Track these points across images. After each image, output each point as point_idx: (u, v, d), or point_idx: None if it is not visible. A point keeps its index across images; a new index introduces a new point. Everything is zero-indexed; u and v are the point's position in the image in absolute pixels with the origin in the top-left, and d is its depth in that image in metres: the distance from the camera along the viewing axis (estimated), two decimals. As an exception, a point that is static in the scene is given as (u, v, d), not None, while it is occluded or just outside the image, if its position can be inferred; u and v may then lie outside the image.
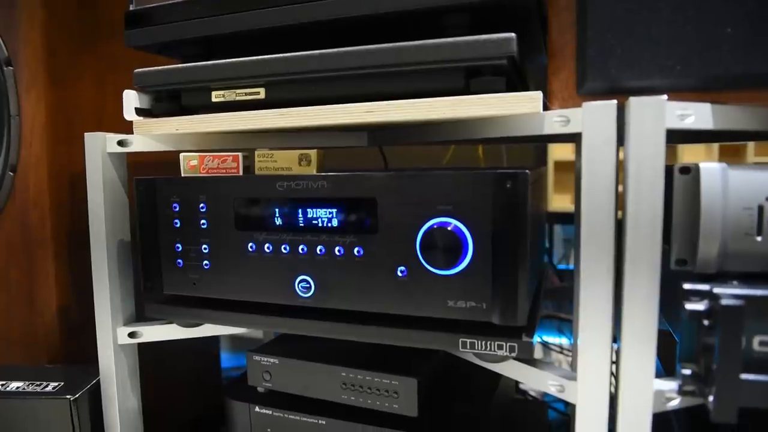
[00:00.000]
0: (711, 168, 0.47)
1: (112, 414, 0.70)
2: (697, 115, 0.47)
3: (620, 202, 0.48)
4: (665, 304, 0.49)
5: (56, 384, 0.70)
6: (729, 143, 1.08)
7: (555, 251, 1.49)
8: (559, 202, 1.41)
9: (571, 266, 1.60)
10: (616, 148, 0.47)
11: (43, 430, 0.68)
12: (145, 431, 0.75)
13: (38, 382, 0.71)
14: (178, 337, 0.69)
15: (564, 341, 1.36)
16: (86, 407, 0.69)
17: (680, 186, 0.49)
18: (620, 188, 0.48)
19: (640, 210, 0.46)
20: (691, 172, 0.48)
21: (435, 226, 0.50)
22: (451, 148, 0.99)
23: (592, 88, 0.50)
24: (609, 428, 0.50)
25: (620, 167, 0.48)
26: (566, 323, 1.37)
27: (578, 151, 0.53)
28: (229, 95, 0.62)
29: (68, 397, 0.67)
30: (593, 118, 0.47)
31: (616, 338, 0.50)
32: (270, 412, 0.66)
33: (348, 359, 0.63)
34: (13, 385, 0.71)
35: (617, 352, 0.50)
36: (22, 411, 0.68)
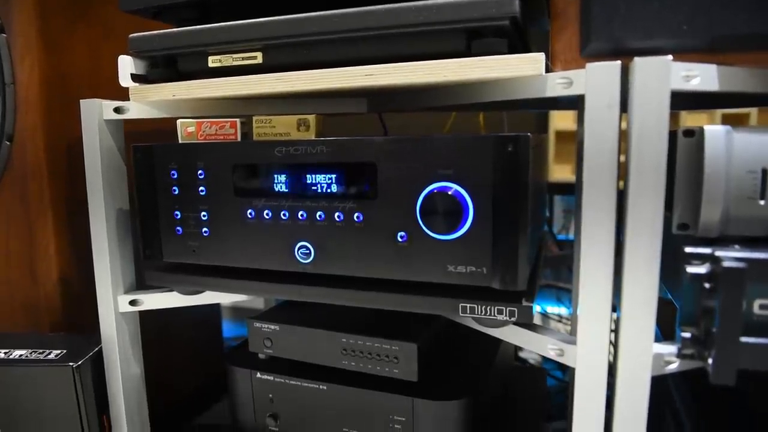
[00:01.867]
0: (715, 131, 0.47)
1: (115, 381, 0.70)
2: (703, 76, 0.46)
3: (622, 172, 0.48)
4: (666, 272, 0.49)
5: (59, 352, 0.71)
6: (732, 111, 1.07)
7: (555, 222, 1.49)
8: (559, 172, 1.40)
9: (571, 237, 1.60)
10: (619, 111, 0.47)
11: (46, 398, 0.69)
12: (149, 399, 0.76)
13: (41, 350, 0.71)
14: (179, 305, 0.69)
15: (563, 310, 1.37)
16: (89, 375, 0.69)
17: (684, 149, 0.48)
18: (622, 159, 0.48)
19: (643, 173, 0.46)
20: (695, 135, 0.48)
21: (435, 191, 0.50)
22: (452, 116, 0.98)
23: (595, 49, 0.50)
24: (608, 392, 0.50)
25: (622, 137, 0.47)
26: (565, 292, 1.38)
27: (580, 117, 0.52)
28: (226, 60, 0.61)
29: (71, 364, 0.68)
30: (596, 79, 0.46)
31: (615, 307, 0.50)
32: (271, 378, 0.66)
33: (348, 325, 0.63)
34: (16, 353, 0.71)
35: (617, 320, 0.50)
36: (26, 379, 0.68)
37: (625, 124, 0.47)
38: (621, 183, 0.48)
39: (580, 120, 0.52)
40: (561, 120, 1.38)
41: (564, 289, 1.35)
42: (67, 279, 0.82)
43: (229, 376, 0.69)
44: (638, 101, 0.45)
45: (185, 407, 0.84)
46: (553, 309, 1.38)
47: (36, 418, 0.69)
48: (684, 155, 0.48)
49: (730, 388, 0.60)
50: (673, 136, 0.48)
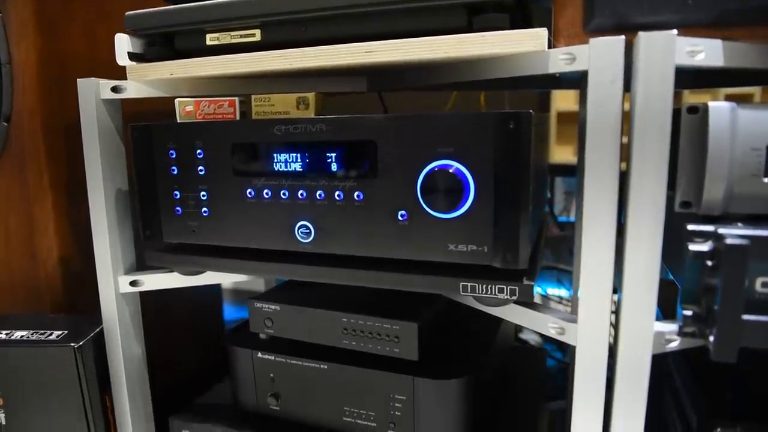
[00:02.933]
0: (720, 107, 0.46)
1: (117, 361, 0.71)
2: (708, 51, 0.45)
3: (624, 154, 0.47)
4: (667, 252, 0.49)
5: (60, 332, 0.71)
6: (735, 91, 1.06)
7: (556, 204, 1.49)
8: (560, 153, 1.40)
9: (572, 219, 1.60)
10: (622, 87, 0.46)
11: (48, 378, 0.69)
12: (150, 380, 0.76)
13: (42, 331, 0.72)
14: (180, 285, 0.69)
15: (563, 293, 1.37)
16: (91, 355, 0.70)
17: (688, 126, 0.48)
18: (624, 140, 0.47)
19: (646, 150, 0.45)
20: (699, 111, 0.47)
21: (436, 169, 0.49)
22: (453, 95, 0.97)
23: (599, 24, 0.49)
24: (608, 370, 0.50)
25: (625, 119, 0.47)
26: (566, 274, 1.38)
27: (583, 96, 0.51)
28: (224, 38, 0.60)
29: (72, 344, 0.68)
30: (600, 55, 0.45)
31: (616, 289, 0.50)
32: (272, 358, 0.66)
33: (349, 305, 0.63)
34: (18, 334, 0.71)
35: (618, 302, 0.50)
36: (28, 359, 0.69)
37: (628, 106, 0.47)
38: (623, 165, 0.48)
39: (583, 99, 0.51)
40: (562, 101, 1.37)
41: (565, 271, 1.35)
42: (68, 260, 0.82)
43: (230, 356, 0.70)
44: (642, 77, 0.44)
45: (186, 388, 0.85)
46: (553, 291, 1.38)
47: (39, 398, 0.69)
48: (687, 132, 0.48)
49: (729, 367, 0.60)
50: (676, 114, 0.47)
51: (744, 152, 0.46)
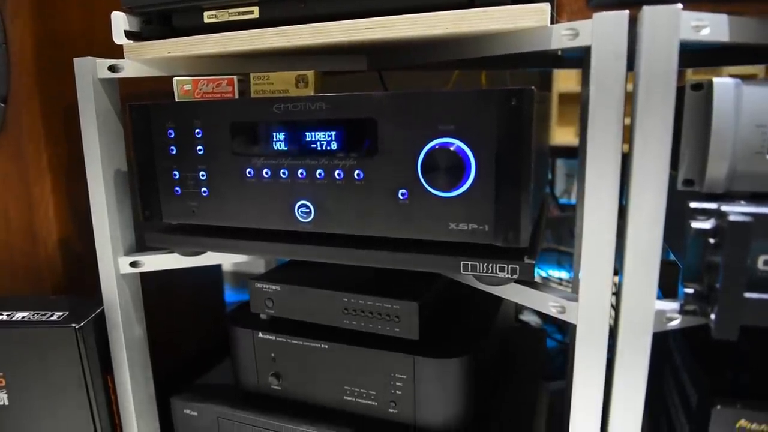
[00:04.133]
0: (725, 83, 0.45)
1: (118, 342, 0.71)
2: (713, 26, 0.45)
3: (626, 135, 0.47)
4: (669, 232, 0.49)
5: (61, 313, 0.71)
6: (739, 69, 1.04)
7: (557, 186, 1.49)
8: (561, 135, 1.39)
9: (573, 201, 1.59)
10: (626, 64, 0.45)
11: (50, 359, 0.69)
12: (152, 361, 0.76)
13: (43, 312, 0.72)
14: (180, 266, 0.69)
15: (564, 275, 1.37)
16: (92, 336, 0.70)
17: (691, 103, 0.47)
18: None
19: (649, 128, 0.45)
20: (703, 88, 0.47)
21: (437, 147, 0.49)
22: (454, 75, 0.97)
23: (603, -2, 0.48)
24: (609, 349, 0.50)
25: (627, 100, 0.46)
26: (566, 257, 1.38)
27: (585, 74, 0.51)
28: (222, 15, 0.59)
29: (73, 325, 0.68)
30: (603, 30, 0.45)
31: (617, 271, 0.50)
32: (273, 338, 0.66)
33: (349, 284, 0.63)
34: (19, 315, 0.71)
35: (619, 284, 0.50)
36: (29, 340, 0.69)
37: (631, 87, 0.46)
38: (625, 147, 0.47)
39: (586, 77, 0.50)
40: (564, 82, 1.36)
41: (565, 253, 1.35)
42: (68, 241, 0.81)
43: (231, 337, 0.70)
44: (646, 52, 0.44)
45: (188, 369, 0.85)
46: (553, 273, 1.38)
47: (41, 380, 0.70)
48: (691, 109, 0.47)
49: (729, 345, 0.60)
50: (680, 92, 0.47)
51: (748, 129, 0.46)
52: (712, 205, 0.45)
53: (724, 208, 0.43)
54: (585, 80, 0.53)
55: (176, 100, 0.62)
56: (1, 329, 0.69)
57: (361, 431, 0.63)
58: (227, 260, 0.69)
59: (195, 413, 0.71)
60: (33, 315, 0.71)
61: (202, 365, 0.82)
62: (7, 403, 0.71)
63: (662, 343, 0.73)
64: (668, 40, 0.43)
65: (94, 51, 0.65)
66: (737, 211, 0.43)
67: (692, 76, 1.11)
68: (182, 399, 0.72)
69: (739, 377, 0.55)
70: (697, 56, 0.72)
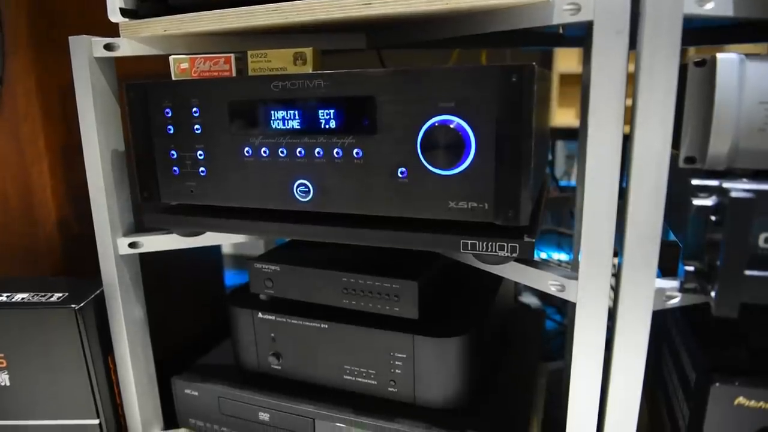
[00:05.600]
0: (728, 59, 0.45)
1: (118, 323, 0.71)
2: (717, 0, 0.44)
3: (627, 116, 0.46)
4: (670, 211, 0.48)
5: (61, 294, 0.71)
6: (743, 47, 1.03)
7: (557, 168, 1.48)
8: (562, 116, 1.38)
9: (573, 183, 1.59)
10: (628, 40, 0.45)
11: (50, 340, 0.69)
12: (153, 342, 0.76)
13: (43, 293, 0.72)
14: (179, 247, 0.69)
15: (563, 257, 1.37)
16: (92, 317, 0.70)
17: (694, 80, 0.47)
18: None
19: (651, 104, 0.44)
20: (706, 64, 0.46)
21: (436, 125, 0.48)
22: (454, 54, 0.96)
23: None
24: (608, 328, 0.50)
25: (629, 81, 0.46)
26: (566, 239, 1.38)
27: (587, 53, 0.50)
28: (218, -9, 0.58)
29: (73, 306, 0.68)
30: (605, 4, 0.44)
31: (616, 253, 0.50)
32: (273, 318, 0.66)
33: (349, 264, 0.63)
34: (18, 296, 0.71)
35: (619, 264, 0.50)
36: (29, 321, 0.69)
37: (632, 68, 0.46)
38: (626, 128, 0.47)
39: (587, 55, 0.50)
40: (564, 62, 1.35)
41: (565, 235, 1.35)
42: (66, 223, 0.81)
43: (231, 317, 0.70)
44: (649, 26, 0.43)
45: (188, 350, 0.85)
46: (554, 256, 1.38)
47: (42, 360, 0.70)
48: (694, 86, 0.47)
49: (728, 324, 0.60)
50: (682, 69, 0.46)
51: (751, 106, 0.45)
52: (714, 183, 0.44)
53: (726, 185, 0.43)
54: (586, 58, 0.52)
55: (173, 78, 0.61)
56: (1, 310, 0.69)
57: (361, 410, 0.64)
58: (226, 241, 0.68)
59: (196, 393, 0.72)
60: (32, 296, 0.71)
61: (203, 347, 0.83)
62: (8, 384, 0.71)
63: (661, 322, 0.74)
64: (671, 14, 0.42)
65: (90, 29, 0.64)
66: (739, 187, 0.42)
67: (695, 53, 1.10)
68: (183, 379, 0.73)
69: (737, 355, 0.56)
70: (699, 33, 0.71)
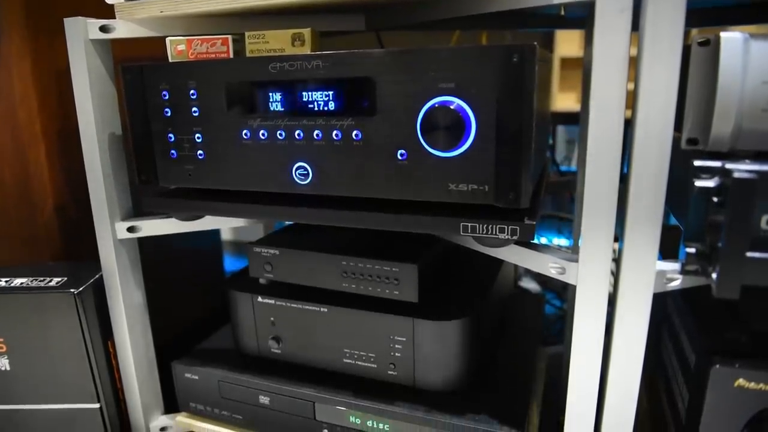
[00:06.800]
0: (732, 38, 0.44)
1: (117, 307, 0.71)
2: (722, -23, 0.43)
3: (628, 101, 0.46)
4: (671, 195, 0.48)
5: (60, 279, 0.71)
6: (746, 29, 1.02)
7: (558, 153, 1.47)
8: (563, 101, 1.37)
9: (574, 168, 1.58)
10: (631, 20, 0.44)
11: (50, 325, 0.69)
12: (153, 327, 0.76)
13: (41, 278, 0.72)
14: (178, 231, 0.68)
15: (564, 242, 1.37)
16: (91, 301, 0.70)
17: (697, 59, 0.46)
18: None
19: (653, 87, 0.44)
20: (710, 43, 0.45)
21: (436, 106, 0.48)
22: (454, 36, 0.95)
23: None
24: (609, 311, 0.50)
25: (631, 64, 0.45)
26: (566, 225, 1.38)
27: (589, 34, 0.49)
28: (215, -29, 0.57)
29: (72, 290, 0.68)
30: (609, -19, 0.43)
31: (617, 237, 0.49)
32: (273, 302, 0.66)
33: (348, 248, 0.62)
34: (17, 281, 0.71)
35: (619, 249, 0.49)
36: (28, 306, 0.69)
37: (634, 51, 0.45)
38: (628, 113, 0.46)
39: (589, 37, 0.49)
40: (565, 46, 1.34)
41: (565, 220, 1.34)
42: (64, 207, 0.81)
43: (231, 301, 0.70)
44: (653, 5, 0.42)
45: (188, 334, 0.85)
46: (554, 241, 1.38)
47: (42, 345, 0.70)
48: (697, 66, 0.46)
49: (728, 307, 0.60)
50: (685, 51, 0.45)
51: (755, 86, 0.45)
52: (717, 164, 0.44)
53: (729, 166, 0.43)
54: (588, 40, 0.51)
55: (170, 60, 0.60)
56: (0, 295, 0.69)
57: (361, 393, 0.64)
58: (225, 224, 0.68)
59: (196, 377, 0.72)
60: (31, 281, 0.71)
61: (203, 332, 0.83)
62: (8, 368, 0.71)
63: (661, 306, 0.74)
64: (675, -9, 0.42)
65: (86, 11, 0.63)
66: (742, 168, 0.42)
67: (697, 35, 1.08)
68: (183, 363, 0.73)
69: (737, 337, 0.56)
70: (703, 14, 0.71)
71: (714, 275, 0.43)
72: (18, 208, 0.80)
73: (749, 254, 0.43)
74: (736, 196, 0.41)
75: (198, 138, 0.59)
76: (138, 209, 0.70)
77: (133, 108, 0.61)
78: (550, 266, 0.51)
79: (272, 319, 0.67)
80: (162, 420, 0.77)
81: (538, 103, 0.46)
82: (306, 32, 0.55)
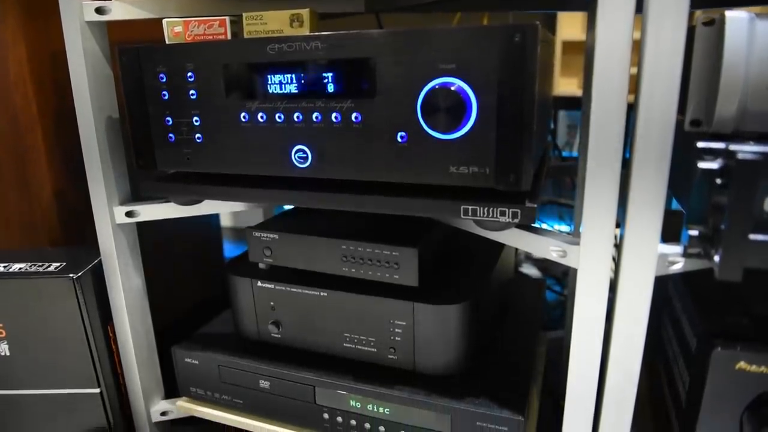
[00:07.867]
0: (737, 17, 0.44)
1: (117, 292, 0.71)
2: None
3: (631, 87, 0.45)
4: (673, 179, 0.48)
5: (58, 264, 0.71)
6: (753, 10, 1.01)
7: (559, 138, 1.46)
8: (565, 85, 1.36)
9: (575, 154, 1.58)
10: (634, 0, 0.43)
11: (49, 310, 0.69)
12: (152, 312, 0.76)
13: (40, 263, 0.71)
14: (176, 216, 0.68)
15: (565, 228, 1.37)
16: (90, 286, 0.70)
17: (702, 39, 0.46)
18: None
19: (657, 69, 0.43)
20: (715, 23, 0.45)
21: (437, 87, 0.47)
22: (455, 18, 0.93)
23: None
24: (610, 294, 0.50)
25: (634, 48, 0.44)
26: (567, 210, 1.38)
27: (591, 15, 0.49)
28: (212, -49, 0.56)
29: (71, 275, 0.68)
30: (613, -41, 0.42)
31: (618, 224, 0.49)
32: (272, 286, 0.66)
33: (348, 232, 0.62)
34: (16, 267, 0.71)
35: (621, 235, 0.49)
36: (26, 291, 0.68)
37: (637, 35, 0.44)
38: (631, 98, 0.46)
39: (592, 18, 0.48)
40: (567, 29, 1.32)
41: (566, 206, 1.34)
42: (62, 192, 0.80)
43: (230, 286, 0.70)
44: (657, -17, 0.42)
45: (188, 320, 0.86)
46: (555, 227, 1.38)
47: (41, 330, 0.70)
48: (702, 46, 0.46)
49: (729, 291, 0.60)
50: (689, 32, 0.45)
51: (760, 66, 0.44)
52: (720, 145, 0.43)
53: (733, 147, 0.42)
54: (591, 20, 0.51)
55: (167, 42, 0.60)
56: (-1, 280, 0.69)
57: (361, 377, 0.64)
58: (224, 209, 0.68)
59: (196, 362, 0.72)
60: (30, 266, 0.71)
61: (203, 317, 0.83)
62: (8, 354, 0.71)
63: (662, 290, 0.73)
64: (681, -32, 0.41)
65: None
66: (746, 150, 0.41)
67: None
68: (183, 348, 0.73)
69: (738, 320, 0.55)
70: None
71: (716, 258, 0.43)
72: (15, 193, 0.80)
73: (752, 236, 0.42)
74: (740, 177, 0.40)
75: (196, 121, 0.58)
76: (136, 194, 0.69)
77: (129, 91, 0.60)
78: (551, 249, 0.51)
79: (272, 303, 0.67)
80: (162, 405, 0.77)
81: (539, 85, 0.46)
82: (304, 13, 0.54)
